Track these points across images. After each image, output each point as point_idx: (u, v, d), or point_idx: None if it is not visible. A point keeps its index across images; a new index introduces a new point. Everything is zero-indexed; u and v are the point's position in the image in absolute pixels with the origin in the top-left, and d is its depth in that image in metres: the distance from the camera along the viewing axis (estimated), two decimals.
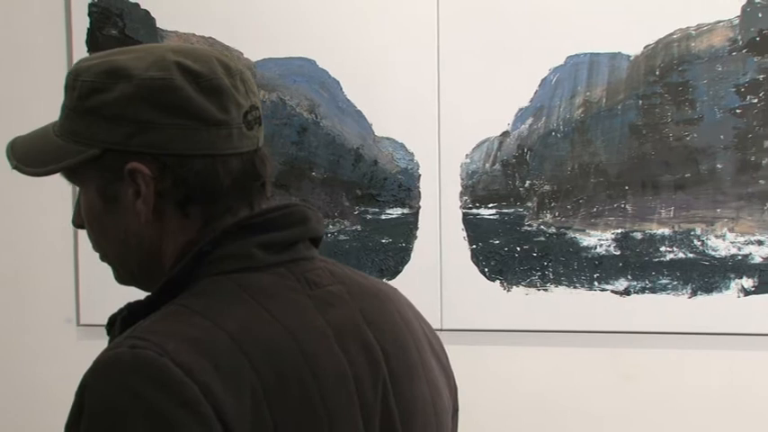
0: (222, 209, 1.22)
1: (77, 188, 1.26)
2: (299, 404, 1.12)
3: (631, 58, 2.65)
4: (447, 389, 1.39)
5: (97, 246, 1.29)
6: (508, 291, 2.73)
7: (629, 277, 2.68)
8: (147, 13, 2.84)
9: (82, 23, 2.85)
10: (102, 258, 1.29)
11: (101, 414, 1.06)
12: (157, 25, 2.84)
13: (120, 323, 1.20)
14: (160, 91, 1.19)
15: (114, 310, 1.23)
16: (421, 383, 1.29)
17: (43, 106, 2.75)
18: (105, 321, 1.22)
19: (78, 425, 1.07)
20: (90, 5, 2.85)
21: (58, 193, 2.82)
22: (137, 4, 2.84)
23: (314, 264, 1.26)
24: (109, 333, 1.22)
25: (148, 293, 1.22)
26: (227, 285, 1.18)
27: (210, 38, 2.81)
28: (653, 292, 2.67)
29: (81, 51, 2.83)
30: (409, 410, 1.26)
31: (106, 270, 2.62)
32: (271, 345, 1.13)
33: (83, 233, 2.82)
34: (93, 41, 2.84)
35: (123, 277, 1.28)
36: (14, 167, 1.26)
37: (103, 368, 1.08)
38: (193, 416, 1.05)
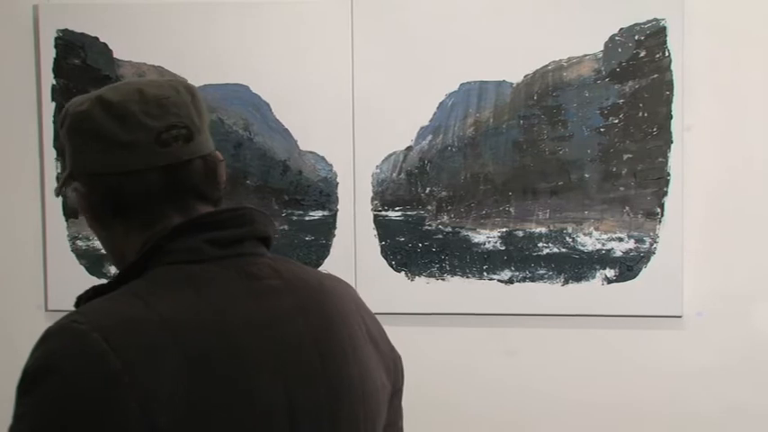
0: (156, 214, 1.27)
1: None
2: (221, 384, 1.14)
3: (514, 85, 2.80)
4: (384, 372, 1.40)
5: None
6: (412, 280, 2.86)
7: (513, 268, 2.83)
8: (105, 45, 2.91)
9: (49, 54, 2.92)
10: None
11: (33, 372, 1.11)
12: (114, 56, 2.91)
13: (84, 302, 1.23)
14: (82, 121, 1.27)
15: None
16: (350, 368, 1.30)
17: (15, 127, 2.90)
18: (71, 307, 1.24)
19: (21, 383, 1.13)
20: (56, 38, 2.91)
21: (28, 192, 2.87)
22: (96, 38, 2.91)
23: (258, 259, 1.28)
24: None
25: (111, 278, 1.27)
26: (173, 274, 1.21)
27: (159, 66, 2.89)
28: (532, 281, 2.82)
29: (48, 77, 2.91)
30: (337, 392, 1.27)
31: (72, 260, 2.97)
32: (199, 328, 1.16)
33: (51, 229, 3.04)
34: (59, 69, 2.91)
35: (117, 268, 1.34)
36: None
37: (46, 335, 1.14)
38: (112, 385, 1.08)
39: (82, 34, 2.94)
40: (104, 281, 1.34)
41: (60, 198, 2.80)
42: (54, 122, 2.87)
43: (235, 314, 1.20)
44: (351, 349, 1.32)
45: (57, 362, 1.10)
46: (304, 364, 1.24)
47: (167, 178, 1.26)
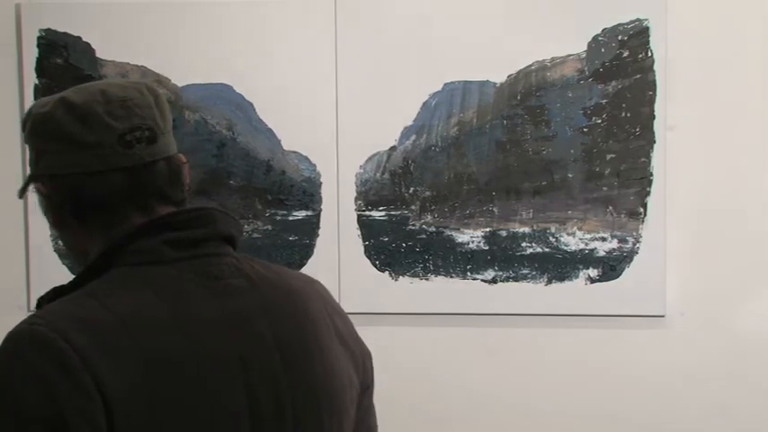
0: (118, 215, 1.27)
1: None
2: (182, 384, 1.14)
3: (497, 85, 2.80)
4: (354, 371, 1.40)
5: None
6: (396, 280, 2.86)
7: (496, 268, 2.82)
8: (88, 45, 2.89)
9: (31, 53, 2.90)
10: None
11: None
12: (97, 55, 2.89)
13: (46, 303, 1.23)
14: (44, 122, 1.27)
15: None
16: (314, 366, 1.30)
17: None
18: None
19: None
20: (39, 38, 2.90)
21: (9, 192, 2.62)
22: (79, 37, 2.89)
23: (220, 259, 1.28)
24: None
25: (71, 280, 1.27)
26: (131, 276, 1.21)
27: (143, 66, 2.87)
28: (515, 281, 2.82)
29: (30, 77, 2.90)
30: (300, 391, 1.27)
31: (53, 261, 2.96)
32: (158, 329, 1.16)
33: (33, 230, 3.04)
34: (42, 69, 2.90)
35: (76, 268, 1.34)
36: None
37: (7, 339, 1.14)
38: (73, 383, 1.08)
39: (65, 34, 2.92)
40: None
41: None
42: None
43: (194, 315, 1.20)
44: (316, 348, 1.32)
45: (17, 364, 1.11)
46: (267, 363, 1.25)
47: (131, 179, 1.26)
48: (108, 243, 1.24)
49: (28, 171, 1.35)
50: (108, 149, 1.25)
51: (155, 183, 1.28)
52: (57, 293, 1.24)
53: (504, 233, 2.84)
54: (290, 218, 2.90)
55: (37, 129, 1.29)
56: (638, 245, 2.79)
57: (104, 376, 1.10)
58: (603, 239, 2.80)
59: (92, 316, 1.14)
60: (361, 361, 1.44)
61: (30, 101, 2.91)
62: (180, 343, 1.16)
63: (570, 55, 2.80)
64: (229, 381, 1.19)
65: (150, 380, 1.12)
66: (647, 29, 2.76)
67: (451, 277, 2.86)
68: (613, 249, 2.80)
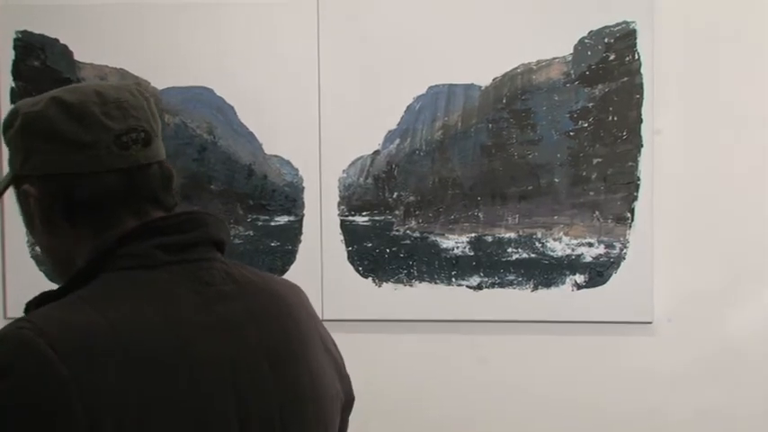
0: (111, 218, 1.25)
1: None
2: (171, 387, 1.13)
3: (482, 88, 2.77)
4: (339, 381, 1.41)
5: (42, 255, 1.39)
6: (379, 286, 2.83)
7: (482, 274, 2.80)
8: (65, 47, 2.86)
9: (7, 55, 2.87)
10: (45, 263, 1.39)
11: None
12: (75, 58, 2.86)
13: (34, 308, 1.21)
14: (35, 121, 1.24)
15: None
16: (302, 374, 1.30)
17: None
18: None
19: None
20: (15, 39, 2.86)
21: None
22: (56, 39, 2.86)
23: (211, 264, 1.27)
24: None
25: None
26: (122, 280, 1.20)
27: (122, 69, 2.85)
28: (501, 287, 2.79)
29: (6, 80, 2.86)
30: (288, 398, 1.27)
31: (30, 267, 2.92)
32: (149, 334, 1.15)
33: (9, 237, 3.00)
34: (18, 71, 2.87)
35: (56, 276, 1.33)
36: None
37: None
38: (58, 390, 1.07)
39: (41, 36, 2.89)
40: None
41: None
42: None
43: (185, 320, 1.20)
44: (303, 355, 1.32)
45: (3, 367, 1.09)
46: (255, 369, 1.24)
47: (125, 182, 1.25)
48: (99, 246, 1.22)
49: (4, 172, 1.30)
50: (104, 150, 1.23)
51: (149, 186, 1.27)
52: (45, 298, 1.23)
53: (489, 238, 2.81)
54: (272, 223, 2.88)
55: (27, 127, 1.26)
56: (625, 250, 2.76)
57: (92, 383, 1.08)
58: (590, 245, 2.78)
59: (81, 321, 1.12)
60: (344, 369, 1.45)
61: (6, 104, 2.87)
62: (171, 347, 1.16)
63: (556, 58, 2.77)
64: (221, 384, 1.19)
65: (142, 384, 1.11)
66: (633, 31, 2.74)
67: (436, 283, 2.83)
68: (600, 255, 2.77)
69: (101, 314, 1.14)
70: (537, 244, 2.80)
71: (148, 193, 1.28)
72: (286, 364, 1.29)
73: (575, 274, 2.79)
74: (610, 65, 2.75)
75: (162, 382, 1.13)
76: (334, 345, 1.46)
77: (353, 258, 2.86)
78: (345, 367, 1.47)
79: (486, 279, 2.82)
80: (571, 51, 2.77)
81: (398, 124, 2.83)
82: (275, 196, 2.87)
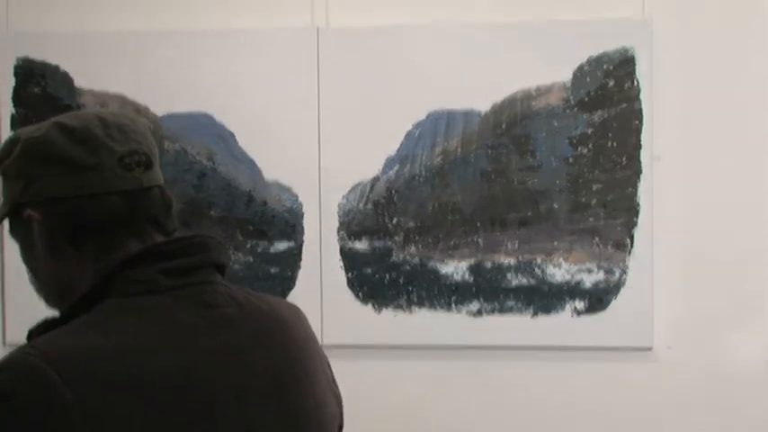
0: (114, 241, 1.25)
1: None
2: (176, 412, 1.13)
3: (482, 114, 2.77)
4: (336, 404, 1.41)
5: (34, 284, 1.36)
6: (379, 312, 2.82)
7: (481, 300, 2.79)
8: (66, 74, 2.87)
9: (8, 82, 2.88)
10: (38, 291, 1.35)
11: None
12: (75, 84, 2.86)
13: (36, 335, 1.20)
14: (37, 146, 1.25)
15: None
16: (306, 397, 1.30)
17: None
18: None
19: None
20: (16, 67, 2.88)
21: None
22: (57, 66, 2.87)
23: (214, 287, 1.27)
24: None
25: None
26: (126, 306, 1.19)
27: (121, 95, 2.85)
28: (501, 313, 2.79)
29: (7, 106, 2.87)
30: (291, 421, 1.27)
31: (30, 293, 2.90)
32: (154, 359, 1.14)
33: (9, 259, 2.99)
34: (19, 98, 2.88)
35: (51, 304, 1.33)
36: None
37: (1, 367, 1.12)
38: (63, 416, 1.07)
39: (42, 63, 2.90)
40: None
41: None
42: None
43: (190, 344, 1.19)
44: (305, 379, 1.32)
45: (8, 393, 1.08)
46: (260, 392, 1.24)
47: (129, 204, 1.26)
48: (103, 270, 1.22)
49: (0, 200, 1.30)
50: (108, 172, 1.24)
51: (150, 209, 1.28)
52: (48, 326, 1.22)
53: (489, 264, 2.81)
54: (272, 249, 2.87)
55: (30, 152, 1.26)
56: (624, 276, 2.76)
57: (97, 408, 1.08)
58: (590, 271, 2.78)
59: (86, 347, 1.12)
60: (337, 389, 1.45)
61: (6, 130, 2.87)
62: (176, 371, 1.15)
63: (555, 83, 2.78)
64: (225, 409, 1.19)
65: (146, 408, 1.11)
66: (632, 58, 2.74)
67: (436, 309, 2.83)
68: (600, 281, 2.77)
69: (105, 339, 1.14)
70: (536, 270, 2.79)
71: (150, 216, 1.28)
72: (290, 388, 1.29)
73: (574, 300, 2.79)
74: (609, 91, 2.75)
75: (166, 407, 1.12)
76: (329, 365, 1.46)
77: (353, 284, 2.85)
78: (338, 386, 1.47)
79: (486, 305, 2.81)
80: (570, 77, 2.77)
81: (398, 150, 2.83)
82: (275, 222, 2.87)
